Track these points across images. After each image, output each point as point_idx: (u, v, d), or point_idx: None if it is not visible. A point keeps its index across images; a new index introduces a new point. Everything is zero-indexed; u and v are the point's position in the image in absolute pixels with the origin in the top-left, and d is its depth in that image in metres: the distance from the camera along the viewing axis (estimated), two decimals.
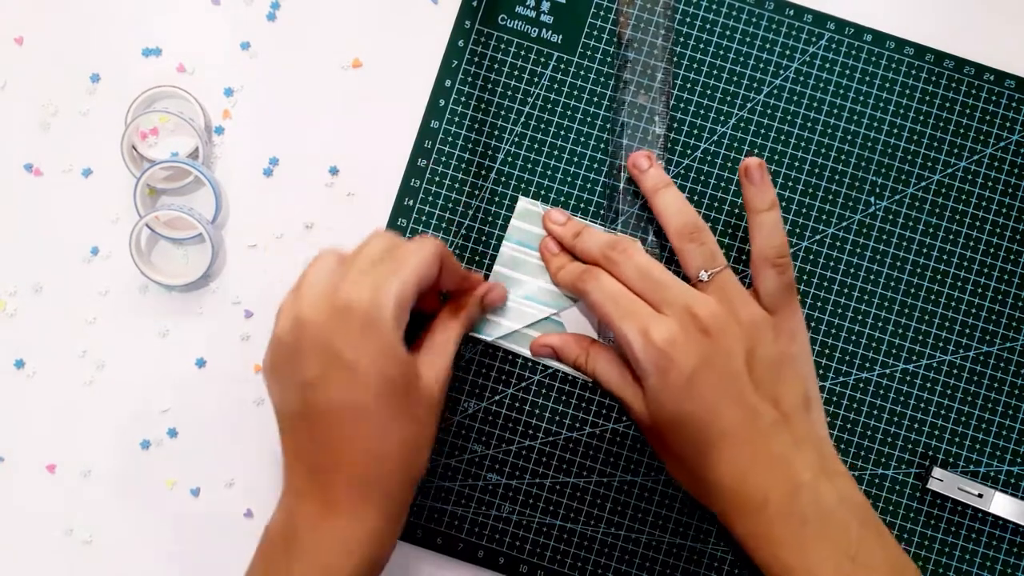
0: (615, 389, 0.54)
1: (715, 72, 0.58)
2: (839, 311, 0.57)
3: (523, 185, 0.58)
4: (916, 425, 0.56)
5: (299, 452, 0.47)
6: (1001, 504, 0.55)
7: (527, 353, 0.57)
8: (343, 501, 0.45)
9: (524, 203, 0.57)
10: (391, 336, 0.45)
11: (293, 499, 0.47)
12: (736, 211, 0.57)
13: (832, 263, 0.57)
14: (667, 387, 0.49)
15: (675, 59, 0.58)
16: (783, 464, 0.49)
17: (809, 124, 0.58)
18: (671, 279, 0.51)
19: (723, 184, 0.58)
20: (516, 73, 0.58)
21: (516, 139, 0.58)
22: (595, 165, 0.58)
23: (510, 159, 0.58)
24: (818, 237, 0.57)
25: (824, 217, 0.57)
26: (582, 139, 0.58)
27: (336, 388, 0.44)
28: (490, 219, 0.58)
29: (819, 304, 0.57)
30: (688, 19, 0.58)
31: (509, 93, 0.58)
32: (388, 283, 0.45)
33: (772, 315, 0.52)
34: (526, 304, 0.57)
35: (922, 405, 0.57)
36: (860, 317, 0.57)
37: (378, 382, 0.45)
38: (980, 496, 0.55)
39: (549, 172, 0.58)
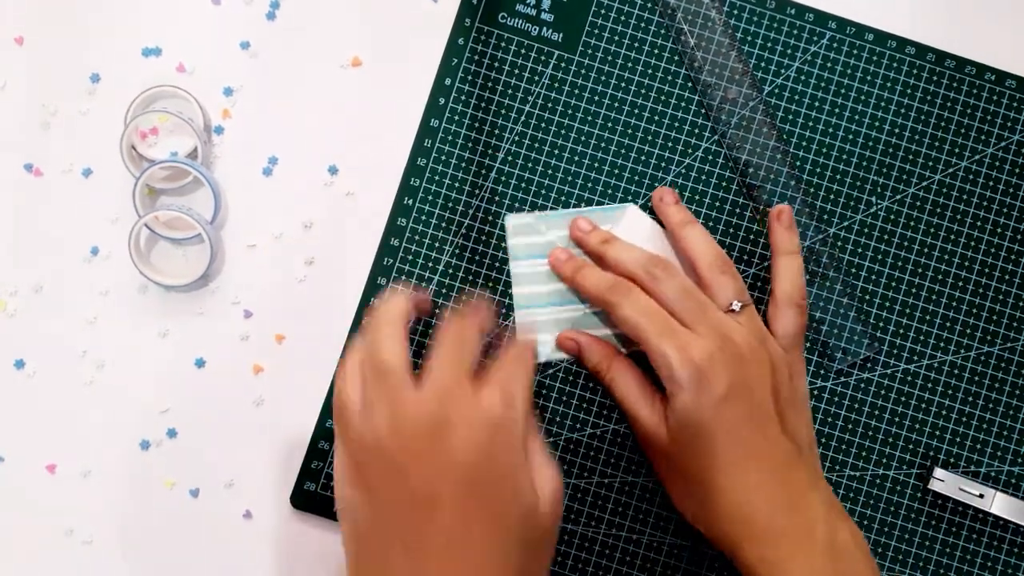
0: (631, 404, 0.53)
1: (717, 71, 0.57)
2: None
3: (523, 184, 0.57)
4: (917, 425, 0.56)
5: None
6: (1002, 504, 0.55)
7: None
8: None
9: (512, 219, 0.57)
10: None
11: None
12: (737, 211, 0.57)
13: (834, 263, 0.57)
14: (698, 405, 0.49)
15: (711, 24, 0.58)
16: (802, 497, 0.50)
17: (810, 123, 0.58)
18: (709, 302, 0.52)
19: (724, 184, 0.57)
20: (516, 72, 0.58)
21: (516, 138, 0.58)
22: (595, 164, 0.58)
23: (510, 158, 0.58)
24: (820, 237, 0.57)
25: (825, 217, 0.57)
26: (583, 138, 0.58)
27: None
28: (490, 219, 0.57)
29: (820, 304, 0.57)
30: (690, 17, 0.57)
31: (509, 92, 0.58)
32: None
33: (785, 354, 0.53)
34: (560, 310, 0.57)
35: (923, 405, 0.56)
36: (861, 317, 0.57)
37: None
38: (981, 496, 0.55)
39: (550, 171, 0.58)
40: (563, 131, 0.58)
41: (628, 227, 0.57)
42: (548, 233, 0.57)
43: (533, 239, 0.57)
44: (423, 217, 0.58)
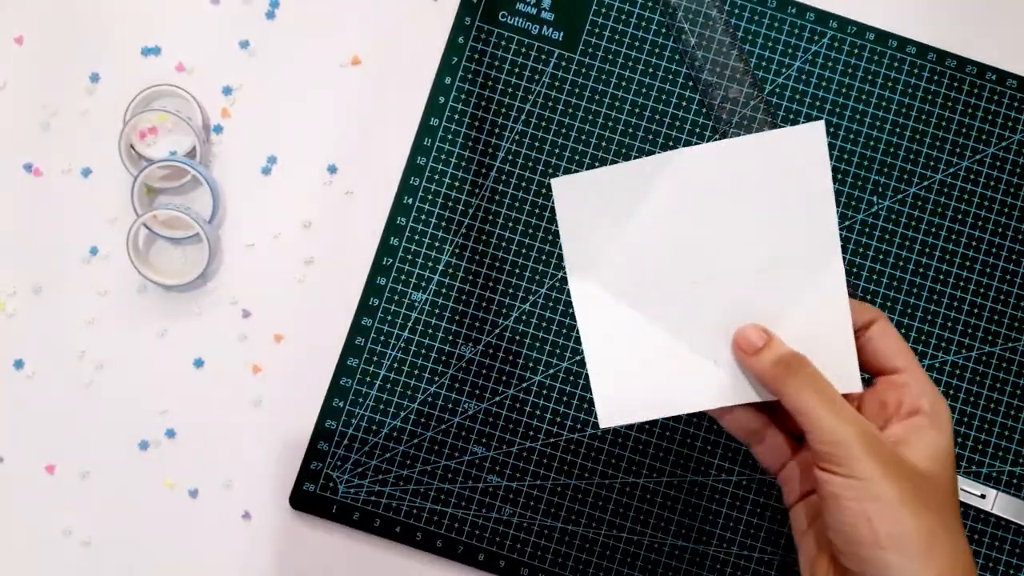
0: (827, 409, 0.41)
1: (718, 70, 0.57)
2: None
3: (524, 183, 0.57)
4: None
5: None
6: (1004, 505, 0.55)
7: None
8: None
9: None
10: None
11: None
12: None
13: None
14: (950, 442, 0.42)
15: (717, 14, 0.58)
16: None
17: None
18: None
19: None
20: (517, 70, 0.58)
21: (517, 137, 0.58)
22: (596, 164, 0.57)
23: (511, 157, 0.58)
24: None
25: None
26: (583, 137, 0.57)
27: None
28: (490, 218, 0.57)
29: None
30: (691, 16, 0.57)
31: (510, 91, 0.58)
32: None
33: None
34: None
35: None
36: None
37: None
38: (982, 497, 0.55)
39: (550, 171, 0.57)
40: (563, 130, 0.58)
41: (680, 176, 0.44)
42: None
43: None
44: (423, 216, 0.57)
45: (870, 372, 0.45)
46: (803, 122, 0.57)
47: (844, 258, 0.57)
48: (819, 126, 0.42)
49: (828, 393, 0.41)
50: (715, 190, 0.43)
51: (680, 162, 0.43)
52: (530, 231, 0.57)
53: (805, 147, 0.43)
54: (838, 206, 0.57)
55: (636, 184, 0.44)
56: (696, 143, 0.57)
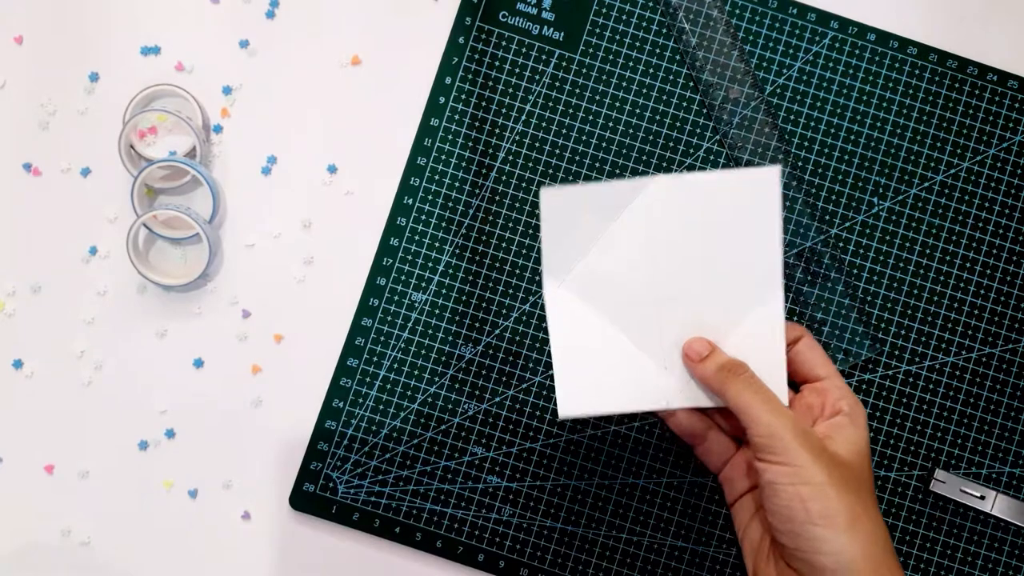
0: (771, 409, 0.47)
1: (718, 70, 0.57)
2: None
3: (524, 184, 0.57)
4: (919, 427, 0.56)
5: None
6: (1003, 506, 0.55)
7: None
8: None
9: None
10: None
11: None
12: None
13: (836, 264, 0.57)
14: (866, 438, 0.48)
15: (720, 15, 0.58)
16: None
17: (812, 123, 0.57)
18: None
19: None
20: (517, 71, 0.58)
21: (517, 137, 0.58)
22: (596, 164, 0.57)
23: (511, 157, 0.58)
24: (821, 237, 0.57)
25: (827, 217, 0.57)
26: (584, 137, 0.57)
27: None
28: (491, 218, 0.57)
29: (822, 305, 0.57)
30: (691, 16, 0.57)
31: (510, 91, 0.58)
32: None
33: None
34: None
35: (924, 407, 0.56)
36: (863, 318, 0.56)
37: None
38: (982, 498, 0.55)
39: (551, 171, 0.57)
40: (564, 130, 0.58)
41: (657, 201, 0.49)
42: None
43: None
44: (423, 217, 0.57)
45: (798, 380, 0.51)
46: (803, 123, 0.57)
47: (845, 259, 0.57)
48: (775, 171, 0.48)
49: (764, 393, 0.47)
50: (681, 218, 0.49)
51: (654, 188, 0.49)
52: (530, 231, 0.57)
53: (761, 189, 0.48)
54: (838, 207, 0.57)
55: (614, 203, 0.49)
56: (697, 143, 0.57)
